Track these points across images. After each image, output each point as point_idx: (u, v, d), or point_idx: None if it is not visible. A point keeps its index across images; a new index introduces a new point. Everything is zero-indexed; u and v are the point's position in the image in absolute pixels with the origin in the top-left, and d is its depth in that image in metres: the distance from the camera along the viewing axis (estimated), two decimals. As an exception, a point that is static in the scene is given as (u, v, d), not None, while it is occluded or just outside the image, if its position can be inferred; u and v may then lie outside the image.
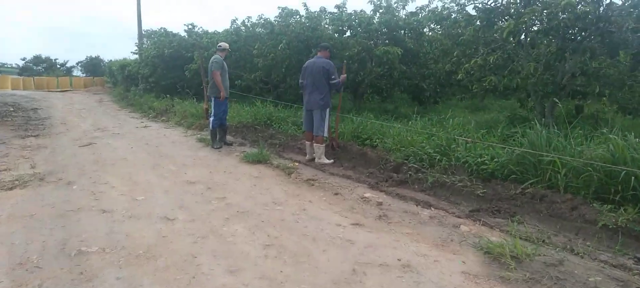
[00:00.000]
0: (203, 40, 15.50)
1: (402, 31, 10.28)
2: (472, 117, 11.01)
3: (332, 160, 6.88)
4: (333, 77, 6.65)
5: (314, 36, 10.04)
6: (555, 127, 6.98)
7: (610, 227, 3.83)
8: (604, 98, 6.82)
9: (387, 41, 10.47)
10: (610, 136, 4.54)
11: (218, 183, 5.78)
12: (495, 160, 5.15)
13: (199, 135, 9.92)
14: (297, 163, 6.84)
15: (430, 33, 10.42)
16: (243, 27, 14.86)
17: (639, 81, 6.15)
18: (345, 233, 4.01)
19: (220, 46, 8.35)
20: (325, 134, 6.84)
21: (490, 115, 10.30)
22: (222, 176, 6.17)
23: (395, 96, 14.37)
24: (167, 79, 17.87)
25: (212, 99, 8.30)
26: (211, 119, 8.25)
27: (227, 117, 8.72)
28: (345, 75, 7.09)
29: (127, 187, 5.62)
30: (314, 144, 6.87)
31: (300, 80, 7.14)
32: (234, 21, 15.10)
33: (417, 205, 4.85)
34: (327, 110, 6.82)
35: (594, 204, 4.20)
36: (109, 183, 5.77)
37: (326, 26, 10.55)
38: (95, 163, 7.04)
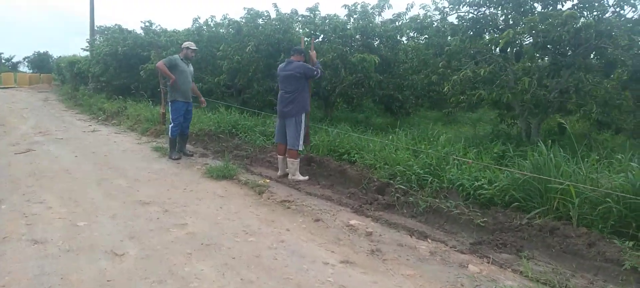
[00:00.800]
0: (161, 39, 14.45)
1: (378, 39, 9.74)
2: (445, 129, 10.63)
3: (307, 177, 6.19)
4: (314, 71, 6.04)
5: (284, 39, 9.32)
6: (541, 145, 6.60)
7: (639, 269, 3.34)
8: (592, 115, 6.48)
9: (360, 48, 9.90)
10: (632, 164, 4.10)
11: (177, 204, 4.95)
12: (495, 184, 4.62)
13: (154, 143, 8.97)
14: (268, 180, 6.10)
15: (407, 42, 9.95)
16: (205, 27, 13.95)
17: (635, 101, 5.84)
18: (336, 275, 3.32)
19: (183, 45, 7.50)
20: (301, 147, 6.14)
21: (465, 129, 9.91)
22: (182, 195, 5.34)
23: (365, 106, 13.87)
24: (120, 78, 16.66)
25: (170, 103, 7.43)
26: (170, 125, 7.37)
27: (189, 124, 7.86)
28: (314, 52, 6.47)
29: (67, 207, 4.71)
30: (288, 159, 6.15)
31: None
32: (196, 20, 14.17)
33: (411, 236, 4.22)
34: (303, 115, 6.13)
35: (614, 240, 3.71)
36: (45, 203, 4.84)
37: (299, 30, 9.85)
38: (31, 175, 6.03)
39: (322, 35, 9.82)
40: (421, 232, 4.31)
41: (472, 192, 4.72)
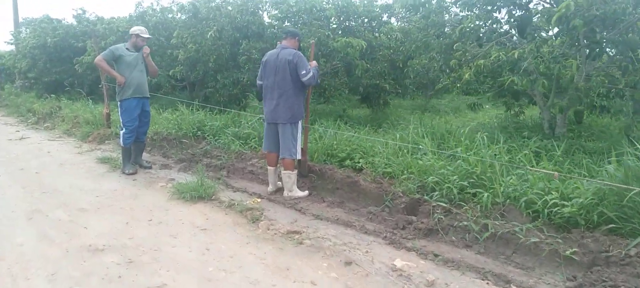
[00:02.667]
0: (97, 28, 12.52)
1: (360, 19, 8.53)
2: (433, 119, 9.64)
3: (306, 192, 4.91)
4: (304, 71, 4.65)
5: (254, 22, 7.87)
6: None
7: None
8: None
9: (339, 32, 8.66)
10: None
11: (145, 247, 3.54)
12: (575, 199, 3.54)
13: (99, 152, 7.33)
14: (258, 200, 4.76)
15: (396, 23, 8.80)
16: (151, 11, 12.14)
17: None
18: None
19: (132, 31, 5.94)
20: (298, 156, 4.83)
21: (466, 118, 8.87)
22: (148, 231, 3.92)
23: (335, 97, 12.65)
24: (51, 74, 14.55)
25: (118, 103, 5.89)
26: (122, 132, 5.83)
27: (147, 129, 6.32)
28: (314, 61, 5.13)
29: (-24, 268, 3.19)
30: (282, 171, 4.83)
31: (257, 80, 5.06)
32: (139, 4, 12.30)
33: (485, 281, 3.07)
34: (300, 122, 4.84)
35: None
36: (-59, 261, 3.29)
37: (266, 13, 8.42)
38: None
39: (295, 19, 8.47)
40: (494, 272, 3.16)
41: (541, 209, 3.64)
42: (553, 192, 3.67)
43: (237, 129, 6.83)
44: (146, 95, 5.99)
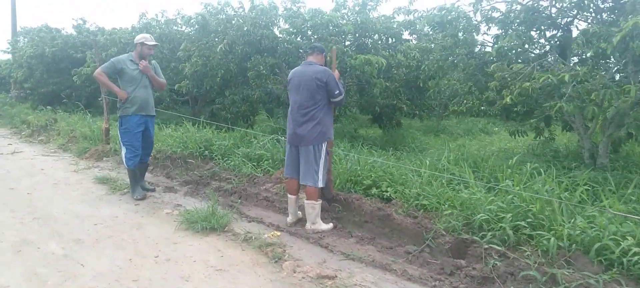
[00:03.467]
0: (98, 38, 12.05)
1: (376, 36, 8.07)
2: (451, 142, 9.16)
3: (331, 225, 4.37)
4: (337, 91, 4.20)
5: (267, 36, 7.38)
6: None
7: None
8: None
9: (353, 49, 8.21)
10: None
11: (153, 295, 2.99)
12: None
13: (96, 170, 6.80)
14: (278, 233, 4.22)
15: (415, 41, 8.33)
16: (155, 23, 11.69)
17: None
18: None
19: (137, 40, 5.40)
20: (321, 183, 4.30)
21: (484, 142, 8.38)
22: (154, 270, 3.36)
23: (342, 116, 12.17)
24: (48, 85, 14.09)
25: (120, 120, 5.35)
26: (124, 151, 5.29)
27: (151, 150, 5.78)
28: (337, 71, 4.66)
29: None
30: (305, 201, 4.30)
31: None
32: (143, 15, 11.86)
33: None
34: (324, 144, 4.32)
35: None
36: None
37: (279, 27, 7.92)
38: None
39: (310, 31, 7.99)
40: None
41: (617, 257, 3.12)
42: (629, 238, 3.16)
43: (248, 149, 6.29)
44: (151, 113, 5.45)
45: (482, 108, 7.06)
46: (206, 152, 6.71)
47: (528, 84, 4.50)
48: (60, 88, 14.04)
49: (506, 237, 3.56)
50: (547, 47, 5.53)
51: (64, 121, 10.51)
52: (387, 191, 4.81)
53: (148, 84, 5.41)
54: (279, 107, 10.13)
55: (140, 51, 5.33)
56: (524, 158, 5.69)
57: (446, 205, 4.14)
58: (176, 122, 9.76)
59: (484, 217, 3.71)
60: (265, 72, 7.68)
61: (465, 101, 6.37)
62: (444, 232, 3.81)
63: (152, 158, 6.72)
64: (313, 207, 4.26)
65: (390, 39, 8.10)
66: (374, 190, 4.90)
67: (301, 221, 4.54)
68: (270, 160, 6.03)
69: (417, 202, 4.39)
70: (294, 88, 4.29)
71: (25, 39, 17.13)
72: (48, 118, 11.14)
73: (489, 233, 3.57)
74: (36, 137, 10.36)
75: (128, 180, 5.53)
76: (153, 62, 5.56)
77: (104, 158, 7.64)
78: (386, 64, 7.42)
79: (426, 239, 3.80)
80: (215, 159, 6.50)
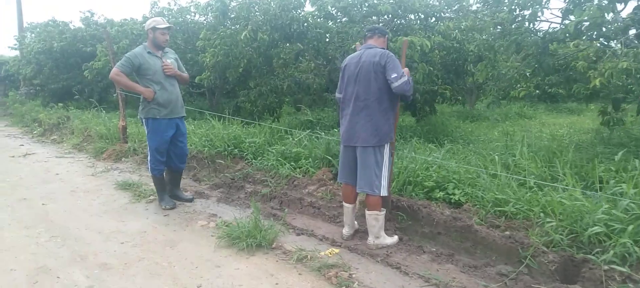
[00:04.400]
0: (108, 30, 11.44)
1: (412, 16, 7.33)
2: (488, 129, 8.45)
3: (396, 238, 3.73)
4: (394, 74, 3.43)
5: (298, 19, 6.67)
6: None
7: None
8: None
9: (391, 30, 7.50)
10: None
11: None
12: None
13: (117, 173, 6.23)
14: (336, 250, 3.58)
15: (460, 22, 7.59)
16: (167, 12, 11.04)
17: None
18: None
19: (147, 26, 4.66)
20: (383, 191, 3.64)
21: (535, 128, 7.65)
22: (203, 309, 2.75)
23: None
24: (58, 81, 13.63)
25: (144, 121, 4.67)
26: (149, 157, 4.66)
27: (186, 156, 5.06)
28: (407, 68, 3.92)
29: None
30: (367, 212, 3.65)
31: (337, 93, 3.91)
32: (154, 4, 11.21)
33: None
34: (387, 146, 3.65)
35: None
36: None
37: (309, 9, 7.21)
38: None
39: (339, 14, 7.29)
40: None
41: None
42: None
43: (283, 147, 5.64)
44: (182, 113, 4.79)
45: (537, 92, 6.35)
46: (235, 150, 6.07)
47: (624, 63, 3.78)
48: (71, 83, 13.58)
49: (627, 255, 2.89)
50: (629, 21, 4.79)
51: (77, 119, 9.96)
52: (454, 194, 4.15)
53: (175, 81, 4.74)
54: (308, 96, 9.43)
55: (154, 38, 4.57)
56: (593, 146, 5.00)
57: (537, 213, 3.47)
58: (193, 117, 9.15)
59: (597, 230, 3.03)
60: (295, 60, 7.00)
61: (525, 85, 5.65)
62: (544, 249, 3.14)
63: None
64: (376, 219, 3.61)
65: (430, 18, 7.35)
66: (438, 193, 4.24)
67: (358, 232, 3.91)
68: (311, 160, 5.37)
69: (497, 208, 3.73)
70: (351, 77, 3.62)
71: (32, 35, 16.61)
72: (60, 115, 10.59)
73: (611, 251, 2.88)
74: (49, 136, 9.84)
75: (152, 185, 4.93)
76: (172, 55, 4.85)
77: (123, 159, 7.07)
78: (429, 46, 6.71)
79: (524, 257, 3.14)
80: (246, 158, 5.87)
